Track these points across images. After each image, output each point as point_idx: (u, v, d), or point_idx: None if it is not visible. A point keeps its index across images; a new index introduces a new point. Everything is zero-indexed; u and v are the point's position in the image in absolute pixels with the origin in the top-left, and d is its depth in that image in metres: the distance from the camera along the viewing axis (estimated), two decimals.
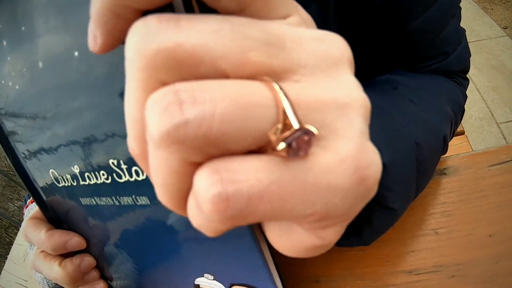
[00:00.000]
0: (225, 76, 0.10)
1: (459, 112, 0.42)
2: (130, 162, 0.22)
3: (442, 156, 0.36)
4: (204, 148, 0.10)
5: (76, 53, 0.18)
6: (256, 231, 0.21)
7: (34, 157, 0.29)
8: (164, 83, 0.10)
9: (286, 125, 0.10)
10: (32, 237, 0.32)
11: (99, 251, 0.33)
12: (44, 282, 0.52)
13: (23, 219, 0.60)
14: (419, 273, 0.29)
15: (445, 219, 0.32)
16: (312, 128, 0.10)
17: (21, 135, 0.28)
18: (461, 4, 0.44)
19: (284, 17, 0.12)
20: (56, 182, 0.28)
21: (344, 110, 0.11)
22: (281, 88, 0.10)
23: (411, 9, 0.36)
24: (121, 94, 0.18)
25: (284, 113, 0.10)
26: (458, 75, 0.44)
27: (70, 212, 0.31)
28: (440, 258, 0.30)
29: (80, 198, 0.28)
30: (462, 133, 0.93)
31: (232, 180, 0.10)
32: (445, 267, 0.29)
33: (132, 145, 0.12)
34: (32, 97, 0.24)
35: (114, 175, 0.23)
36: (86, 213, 0.30)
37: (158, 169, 0.11)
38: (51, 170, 0.28)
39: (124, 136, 0.18)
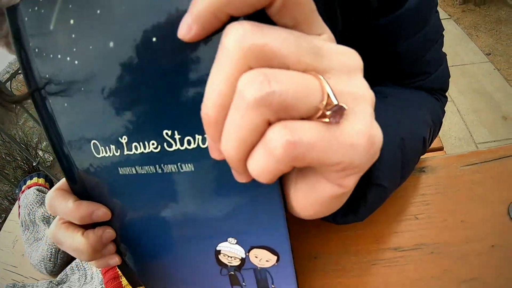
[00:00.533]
0: (287, 68, 0.16)
1: (438, 123, 0.48)
2: (185, 132, 0.25)
3: (421, 157, 0.43)
4: (279, 112, 0.16)
5: (154, 39, 0.22)
6: (282, 196, 0.25)
7: (76, 129, 0.30)
8: (250, 68, 0.16)
9: (328, 103, 0.16)
10: (59, 207, 0.33)
11: (119, 224, 0.34)
12: (41, 265, 0.55)
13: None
14: (403, 250, 0.35)
15: (424, 207, 0.38)
16: (344, 105, 0.16)
17: (68, 107, 0.28)
18: (448, 29, 0.50)
19: (319, 34, 0.19)
20: (96, 153, 0.29)
21: (359, 100, 0.18)
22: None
23: (401, 34, 0.42)
24: (182, 74, 0.22)
25: (327, 94, 0.16)
26: (438, 92, 0.51)
27: (100, 183, 0.32)
28: (420, 239, 0.36)
29: (119, 168, 0.29)
30: (441, 149, 1.00)
31: (297, 134, 0.16)
32: (424, 245, 0.35)
33: (209, 112, 0.17)
34: (91, 71, 0.26)
35: (165, 144, 0.26)
36: (121, 183, 0.31)
37: (242, 127, 0.16)
38: (93, 142, 0.29)
39: (181, 109, 0.23)
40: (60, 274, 0.54)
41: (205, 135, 0.23)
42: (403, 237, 0.36)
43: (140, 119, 0.26)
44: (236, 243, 0.30)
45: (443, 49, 0.49)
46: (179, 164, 0.26)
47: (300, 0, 0.17)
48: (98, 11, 0.23)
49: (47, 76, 0.27)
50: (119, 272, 0.47)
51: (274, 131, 0.16)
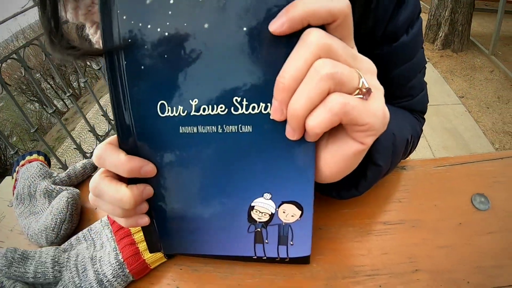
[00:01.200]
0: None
1: (416, 137, 0.58)
2: (252, 100, 0.31)
3: (402, 160, 0.54)
4: (337, 86, 0.26)
5: (245, 28, 0.29)
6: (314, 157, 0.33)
7: (145, 90, 0.33)
8: (320, 57, 0.26)
9: (362, 86, 0.27)
10: (109, 158, 0.35)
11: (159, 183, 0.37)
12: (43, 234, 0.55)
13: None
14: (390, 224, 0.44)
15: (405, 194, 0.47)
16: (371, 88, 0.27)
17: (143, 70, 0.32)
18: (426, 72, 0.62)
19: (352, 47, 0.29)
20: (161, 112, 0.33)
21: (378, 89, 0.28)
22: (366, 90, 0.27)
23: (394, 62, 0.52)
24: (260, 57, 0.29)
25: (362, 82, 0.27)
26: (418, 113, 0.61)
27: (154, 141, 0.35)
28: (403, 216, 0.45)
29: (181, 127, 0.33)
30: None
31: (347, 99, 0.26)
32: (406, 221, 0.44)
33: (286, 81, 0.26)
34: (180, 43, 0.30)
35: (232, 108, 0.31)
36: (177, 141, 0.34)
37: (313, 91, 0.25)
38: (160, 102, 0.33)
39: (253, 82, 0.30)
40: (64, 244, 0.53)
41: (268, 103, 0.30)
42: (390, 214, 0.45)
43: (216, 87, 0.31)
44: (270, 198, 0.36)
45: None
46: (239, 125, 0.32)
47: (349, 24, 0.27)
48: (206, 25, 0.29)
49: (129, 40, 0.31)
50: (135, 239, 0.47)
51: (334, 95, 0.26)
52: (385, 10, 0.46)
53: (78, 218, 0.58)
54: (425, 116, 0.63)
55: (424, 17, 4.50)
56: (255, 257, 0.40)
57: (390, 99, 0.55)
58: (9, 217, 0.67)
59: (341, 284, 0.41)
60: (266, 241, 0.39)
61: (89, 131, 2.65)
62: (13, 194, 0.66)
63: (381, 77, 0.31)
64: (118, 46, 0.31)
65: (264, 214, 0.37)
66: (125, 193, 0.35)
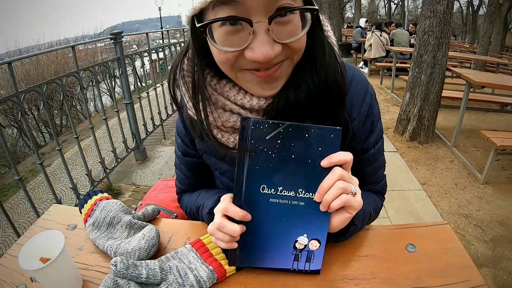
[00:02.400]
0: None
1: (378, 209, 0.95)
2: (307, 191, 0.65)
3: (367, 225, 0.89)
4: (344, 191, 0.65)
5: (309, 160, 0.64)
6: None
7: (255, 178, 0.65)
8: (340, 178, 0.65)
9: (352, 191, 0.66)
10: (232, 210, 0.67)
11: (247, 224, 0.68)
12: (135, 253, 0.79)
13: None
14: (357, 262, 0.82)
15: (367, 248, 0.84)
16: (356, 192, 0.67)
17: (258, 168, 0.64)
18: (394, 160, 1.05)
19: (349, 172, 0.67)
20: (261, 190, 0.66)
21: (359, 191, 0.68)
22: (354, 193, 0.66)
23: (367, 163, 0.88)
24: (313, 172, 0.65)
25: (352, 189, 0.66)
26: (380, 194, 0.98)
27: (252, 203, 0.67)
28: (371, 269, 0.83)
29: (270, 199, 0.66)
30: None
31: (349, 196, 0.65)
32: (370, 255, 0.82)
33: (324, 187, 0.65)
34: (282, 159, 0.64)
35: (297, 194, 0.65)
36: (266, 205, 0.67)
37: (335, 193, 0.64)
38: (262, 185, 0.65)
39: (309, 184, 0.65)
40: (150, 261, 0.76)
41: (313, 193, 0.65)
42: (357, 266, 0.83)
43: (291, 182, 0.65)
44: (306, 237, 0.70)
45: (387, 173, 0.98)
46: (299, 202, 0.67)
47: (350, 163, 0.65)
48: (293, 156, 0.64)
49: (252, 153, 0.63)
50: (217, 258, 0.78)
51: (343, 195, 0.64)
52: (361, 138, 0.84)
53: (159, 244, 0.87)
54: (390, 200, 1.05)
55: (396, 111, 5.11)
56: (292, 269, 0.74)
57: (363, 185, 0.89)
58: (74, 239, 0.92)
59: None
60: (300, 260, 0.73)
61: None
62: (86, 221, 0.93)
63: (357, 172, 0.70)
64: (246, 152, 0.64)
65: (302, 245, 0.72)
66: (236, 229, 0.67)
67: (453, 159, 4.07)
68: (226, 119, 0.74)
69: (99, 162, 3.38)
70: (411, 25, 10.37)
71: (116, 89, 10.80)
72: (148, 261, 0.76)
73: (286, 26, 0.60)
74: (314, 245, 0.71)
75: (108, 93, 11.72)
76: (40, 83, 2.66)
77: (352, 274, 0.77)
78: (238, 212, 0.67)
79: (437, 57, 4.15)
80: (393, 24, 10.01)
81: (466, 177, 3.69)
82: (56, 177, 4.77)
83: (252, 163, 0.64)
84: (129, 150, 3.91)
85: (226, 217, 0.69)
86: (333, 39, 0.77)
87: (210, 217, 0.83)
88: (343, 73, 0.74)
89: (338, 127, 0.64)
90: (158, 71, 5.46)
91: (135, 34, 13.18)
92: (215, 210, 0.72)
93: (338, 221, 0.69)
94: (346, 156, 0.64)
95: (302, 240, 0.71)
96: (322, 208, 0.66)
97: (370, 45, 8.68)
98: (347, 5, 32.86)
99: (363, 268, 0.78)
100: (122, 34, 3.65)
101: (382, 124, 0.90)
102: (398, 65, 7.34)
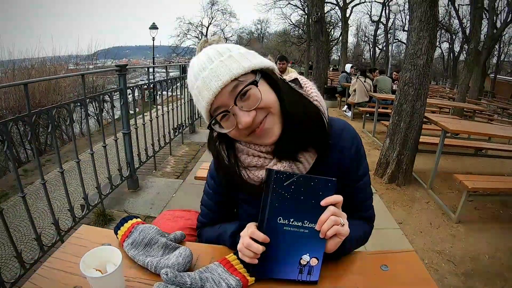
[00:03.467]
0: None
1: (368, 235, 1.22)
2: (310, 222, 0.92)
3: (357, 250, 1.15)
4: (336, 223, 0.92)
5: (313, 201, 0.91)
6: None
7: (275, 213, 0.89)
8: (333, 214, 0.92)
9: (342, 223, 0.93)
10: (257, 234, 0.90)
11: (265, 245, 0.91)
12: (174, 267, 0.96)
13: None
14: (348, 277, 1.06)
15: (352, 268, 1.09)
16: (344, 223, 0.94)
17: (278, 207, 0.89)
18: (373, 201, 1.25)
19: (339, 208, 0.95)
20: (278, 221, 0.90)
21: (346, 222, 0.96)
22: (343, 224, 0.93)
23: (356, 194, 1.15)
24: (313, 212, 0.91)
25: (341, 221, 0.93)
26: (369, 221, 1.24)
27: (271, 230, 0.90)
28: (355, 282, 1.07)
29: (284, 227, 0.91)
30: None
31: (339, 227, 0.92)
32: (353, 286, 1.06)
33: (320, 222, 0.91)
34: (294, 198, 0.89)
35: (303, 224, 0.91)
36: (281, 231, 0.91)
37: (329, 225, 0.90)
38: (279, 217, 0.90)
39: (311, 219, 0.92)
40: (191, 272, 0.95)
41: (315, 223, 0.91)
42: (346, 277, 1.07)
43: (300, 216, 0.91)
44: (308, 256, 0.94)
45: None
46: (304, 230, 0.92)
47: (341, 202, 0.92)
48: (302, 197, 0.90)
49: (274, 194, 0.89)
50: (240, 272, 0.97)
51: (335, 226, 0.91)
52: (352, 172, 1.11)
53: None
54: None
55: (376, 154, 5.39)
56: (297, 279, 0.96)
57: (354, 213, 1.11)
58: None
59: None
60: (303, 272, 0.96)
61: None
62: (123, 241, 1.10)
63: (350, 202, 0.98)
64: (269, 193, 0.89)
65: (305, 261, 0.95)
66: (260, 248, 0.90)
67: (429, 200, 4.35)
68: (250, 161, 1.05)
69: (95, 187, 3.55)
70: (394, 72, 10.91)
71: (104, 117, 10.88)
72: (189, 272, 0.96)
73: (249, 99, 0.92)
74: (314, 262, 0.95)
75: (95, 118, 11.81)
76: (51, 106, 2.88)
77: (341, 285, 1.01)
78: (261, 236, 0.91)
79: (416, 106, 4.50)
80: (377, 71, 10.53)
81: (440, 217, 3.96)
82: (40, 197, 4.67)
83: (273, 201, 0.90)
84: (123, 178, 4.08)
85: (252, 239, 0.92)
86: (311, 92, 1.08)
87: (231, 239, 1.11)
88: (318, 120, 1.03)
89: (334, 179, 0.91)
90: (146, 100, 5.65)
91: (139, 67, 13.53)
92: (242, 234, 0.97)
93: (332, 244, 0.95)
94: (338, 198, 0.92)
95: (305, 258, 0.95)
96: (320, 235, 0.92)
97: (355, 90, 9.09)
98: (333, 48, 34.15)
99: (349, 281, 1.03)
100: (127, 67, 3.90)
101: None
102: (380, 110, 7.72)
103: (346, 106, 10.24)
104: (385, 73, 11.22)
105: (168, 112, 5.57)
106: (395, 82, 9.59)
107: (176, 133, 6.22)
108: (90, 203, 3.41)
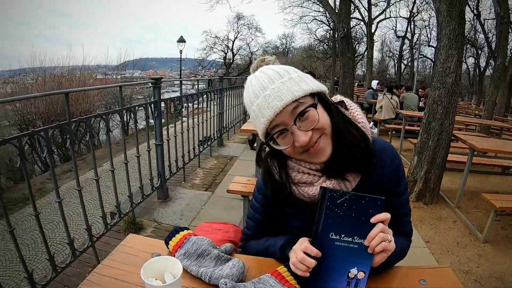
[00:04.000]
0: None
1: (406, 249, 1.28)
2: (359, 237, 0.96)
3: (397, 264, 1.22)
4: (384, 239, 0.96)
5: (363, 218, 0.96)
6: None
7: (327, 227, 0.95)
8: (381, 232, 0.96)
9: (389, 239, 0.98)
10: (311, 249, 0.96)
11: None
12: (228, 277, 1.03)
13: None
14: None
15: (393, 282, 1.16)
16: (391, 239, 0.99)
17: (331, 225, 0.95)
18: None
19: (386, 224, 0.99)
20: (331, 236, 0.96)
21: (392, 238, 1.00)
22: (390, 240, 0.98)
23: (398, 211, 1.20)
24: (363, 230, 0.96)
25: (389, 237, 0.98)
26: (408, 235, 1.31)
27: (323, 244, 0.96)
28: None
29: (335, 242, 0.96)
30: None
31: (386, 243, 0.97)
32: None
33: (371, 235, 0.95)
34: (347, 217, 0.95)
35: (353, 239, 0.96)
36: (331, 244, 0.96)
37: (379, 240, 0.95)
38: (331, 232, 0.95)
39: (360, 234, 0.96)
40: (245, 283, 1.03)
41: (364, 239, 0.96)
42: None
43: (350, 232, 0.96)
44: (356, 269, 0.98)
45: None
46: (354, 244, 0.97)
47: (389, 219, 0.97)
48: (353, 214, 0.95)
49: (327, 211, 0.95)
50: (292, 283, 1.04)
51: (383, 242, 0.95)
52: (393, 187, 1.18)
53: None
54: None
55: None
56: None
57: (392, 227, 1.04)
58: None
59: None
60: (350, 285, 0.99)
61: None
62: (175, 251, 1.17)
63: (392, 219, 1.01)
64: (323, 210, 0.94)
65: (353, 274, 0.98)
66: (313, 262, 0.97)
67: (456, 219, 4.30)
68: (300, 178, 1.12)
69: (127, 196, 3.68)
70: (420, 89, 10.82)
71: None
72: (244, 283, 1.04)
73: (307, 119, 1.00)
74: (361, 275, 0.99)
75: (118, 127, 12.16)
76: (89, 116, 3.06)
77: None
78: (314, 251, 0.97)
79: (444, 124, 4.49)
80: (403, 87, 10.45)
81: (467, 236, 3.91)
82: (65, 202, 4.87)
83: (326, 218, 0.96)
84: (154, 188, 4.21)
85: (305, 253, 0.98)
86: (357, 115, 1.17)
87: (280, 252, 1.18)
88: (364, 141, 1.10)
89: (383, 197, 0.96)
90: (172, 111, 5.77)
91: (172, 80, 14.01)
92: (296, 249, 1.04)
93: (379, 259, 0.99)
94: (386, 216, 0.96)
95: (353, 271, 0.99)
96: (369, 250, 0.97)
97: (381, 107, 9.05)
98: (358, 63, 33.99)
99: None
100: (162, 80, 4.06)
101: None
102: (406, 127, 7.65)
103: (372, 123, 10.12)
104: (412, 90, 11.15)
105: (198, 124, 5.70)
106: (421, 99, 9.53)
107: (205, 146, 6.38)
108: (121, 211, 3.53)
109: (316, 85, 1.04)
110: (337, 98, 1.22)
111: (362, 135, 1.11)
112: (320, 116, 1.01)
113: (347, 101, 1.22)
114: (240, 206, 3.54)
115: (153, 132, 4.36)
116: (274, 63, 1.15)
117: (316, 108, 1.00)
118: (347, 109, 1.18)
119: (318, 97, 1.04)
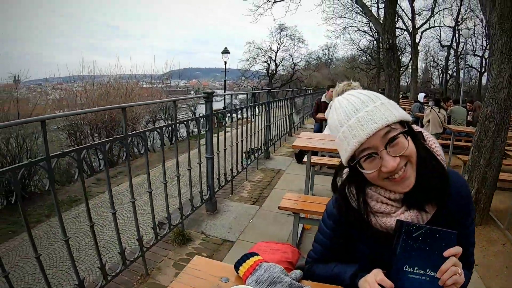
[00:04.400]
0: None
1: (469, 282, 1.23)
2: (432, 271, 0.98)
3: None
4: (455, 273, 0.98)
5: (436, 251, 0.98)
6: None
7: (406, 260, 0.99)
8: (453, 265, 0.98)
9: (460, 272, 1.00)
10: (385, 281, 1.00)
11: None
12: None
13: None
14: None
15: None
16: (461, 273, 1.01)
17: (404, 254, 0.99)
18: None
19: (458, 258, 1.01)
20: (405, 268, 0.99)
21: (462, 272, 1.01)
22: (460, 273, 1.00)
23: (467, 241, 1.15)
24: (436, 263, 0.98)
25: (460, 271, 1.00)
26: (470, 268, 1.26)
27: (396, 274, 0.99)
28: None
29: (409, 274, 0.99)
30: None
31: (458, 277, 0.99)
32: None
33: (443, 268, 0.97)
34: (423, 249, 0.98)
35: (425, 272, 0.98)
36: (403, 274, 0.99)
37: (451, 271, 0.97)
38: (405, 265, 0.99)
39: (433, 266, 0.98)
40: None
41: (436, 272, 0.98)
42: None
43: (423, 265, 0.99)
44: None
45: None
46: (426, 277, 0.99)
47: (460, 252, 0.98)
48: (427, 248, 0.98)
49: (403, 245, 0.99)
50: None
51: (455, 276, 0.96)
52: (464, 217, 1.16)
53: None
54: None
55: None
56: None
57: (461, 258, 1.02)
58: None
59: None
60: None
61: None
62: (246, 277, 1.17)
63: (463, 252, 1.03)
64: (399, 243, 0.99)
65: None
66: None
67: (506, 242, 4.13)
68: (379, 207, 1.13)
69: (178, 208, 3.81)
70: (468, 103, 10.50)
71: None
72: None
73: (397, 146, 1.02)
74: None
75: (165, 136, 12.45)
76: (145, 130, 3.25)
77: None
78: (389, 283, 1.00)
79: (496, 142, 4.33)
80: (451, 100, 10.15)
81: None
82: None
83: (401, 251, 0.99)
84: (203, 200, 4.33)
85: (379, 284, 1.02)
86: (435, 146, 1.18)
87: (350, 280, 1.18)
88: (443, 172, 1.12)
89: (455, 232, 0.98)
90: (215, 121, 5.91)
91: (223, 95, 14.18)
92: (370, 280, 1.06)
93: None
94: (458, 250, 0.98)
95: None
96: (440, 282, 0.98)
97: (428, 121, 8.74)
98: (402, 74, 33.18)
99: None
100: (214, 95, 4.21)
101: None
102: (455, 142, 7.42)
103: None
104: (459, 103, 10.83)
105: (246, 138, 5.78)
106: (469, 112, 9.23)
107: (253, 159, 6.45)
108: (171, 222, 3.66)
109: (405, 114, 1.06)
110: (414, 128, 1.21)
111: (441, 167, 1.13)
112: (409, 143, 1.04)
113: (424, 132, 1.23)
114: (287, 221, 3.58)
115: (196, 142, 4.42)
116: (359, 88, 1.19)
117: (406, 136, 1.04)
118: (424, 140, 1.18)
119: (407, 125, 1.06)
